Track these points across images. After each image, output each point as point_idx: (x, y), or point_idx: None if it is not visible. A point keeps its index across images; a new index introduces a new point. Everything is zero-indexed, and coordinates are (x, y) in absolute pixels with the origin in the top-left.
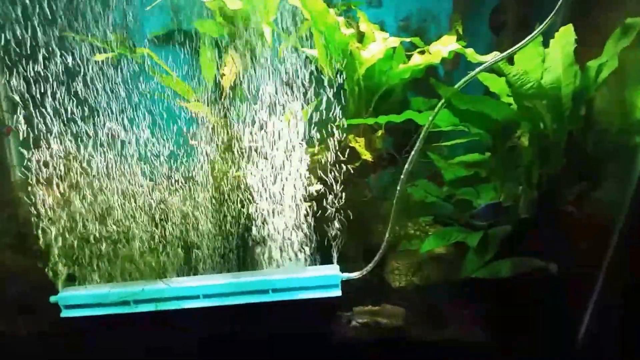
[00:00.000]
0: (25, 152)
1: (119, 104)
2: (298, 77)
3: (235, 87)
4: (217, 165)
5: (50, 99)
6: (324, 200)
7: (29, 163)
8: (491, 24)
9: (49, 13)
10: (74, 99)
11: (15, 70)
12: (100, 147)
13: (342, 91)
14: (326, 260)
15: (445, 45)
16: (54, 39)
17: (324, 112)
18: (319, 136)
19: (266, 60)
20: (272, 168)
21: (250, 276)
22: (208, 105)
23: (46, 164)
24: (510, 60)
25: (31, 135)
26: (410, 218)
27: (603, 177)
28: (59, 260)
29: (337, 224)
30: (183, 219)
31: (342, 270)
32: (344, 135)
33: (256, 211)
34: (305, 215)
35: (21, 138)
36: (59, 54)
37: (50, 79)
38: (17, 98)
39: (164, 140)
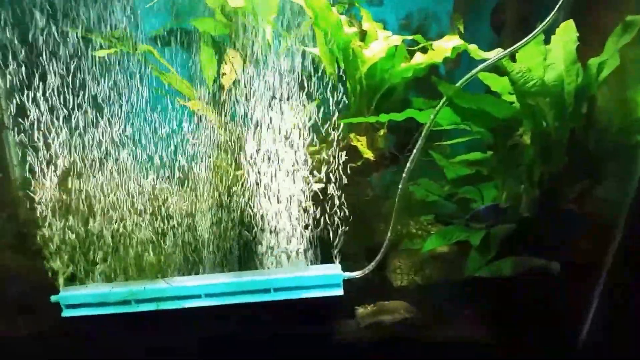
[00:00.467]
0: (25, 152)
1: (119, 103)
2: (299, 76)
3: (235, 86)
4: (217, 164)
5: (42, 94)
6: (326, 199)
7: (29, 162)
8: (492, 23)
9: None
10: (73, 95)
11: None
12: (100, 148)
13: (343, 90)
14: (328, 259)
15: (448, 42)
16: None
17: (326, 110)
18: (320, 135)
19: (267, 58)
20: (274, 167)
21: (252, 275)
22: (208, 104)
23: (47, 163)
24: (512, 58)
25: (29, 132)
26: (412, 217)
27: (604, 176)
28: (60, 260)
29: (338, 223)
30: (184, 217)
31: (344, 269)
32: (346, 134)
33: (258, 210)
34: (307, 214)
35: (21, 138)
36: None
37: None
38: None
39: (163, 140)
